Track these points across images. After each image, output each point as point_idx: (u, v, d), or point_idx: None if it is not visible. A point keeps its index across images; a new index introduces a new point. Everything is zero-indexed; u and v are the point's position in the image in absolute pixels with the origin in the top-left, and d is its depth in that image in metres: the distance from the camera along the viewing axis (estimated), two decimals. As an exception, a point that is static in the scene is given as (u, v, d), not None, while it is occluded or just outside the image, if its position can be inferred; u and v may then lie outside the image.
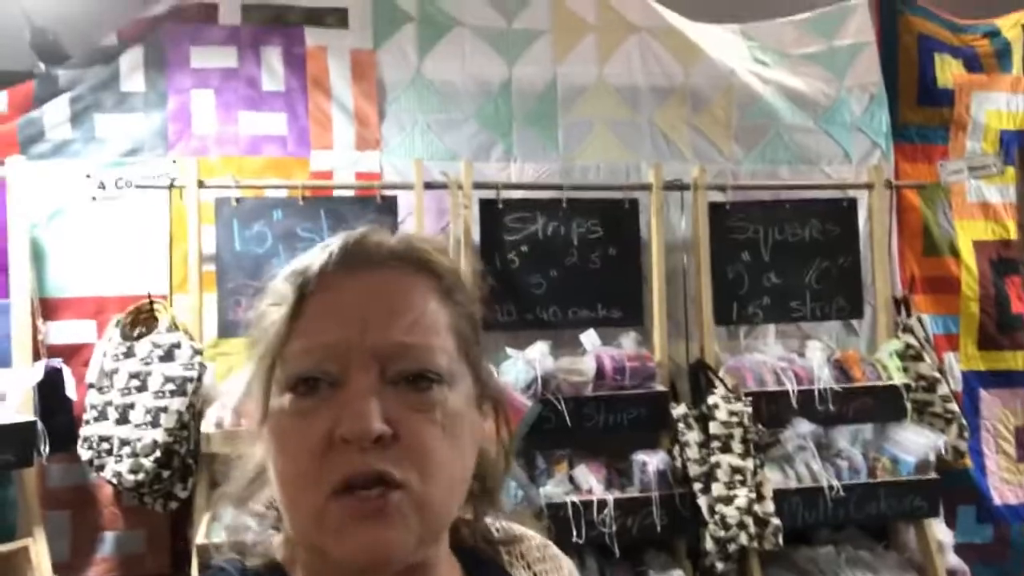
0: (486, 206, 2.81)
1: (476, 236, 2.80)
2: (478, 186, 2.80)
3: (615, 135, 3.10)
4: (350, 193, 2.81)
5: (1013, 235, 3.35)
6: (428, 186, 2.75)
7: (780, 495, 2.61)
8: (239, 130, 2.82)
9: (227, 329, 2.64)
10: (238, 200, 2.67)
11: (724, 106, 3.16)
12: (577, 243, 2.86)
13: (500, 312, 2.76)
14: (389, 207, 2.73)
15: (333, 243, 0.69)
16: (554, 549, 0.85)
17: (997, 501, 3.23)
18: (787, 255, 2.99)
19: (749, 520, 2.50)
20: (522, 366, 2.58)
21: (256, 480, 0.73)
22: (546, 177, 3.00)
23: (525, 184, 2.95)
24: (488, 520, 0.80)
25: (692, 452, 2.60)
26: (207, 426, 2.43)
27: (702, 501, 2.55)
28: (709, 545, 2.54)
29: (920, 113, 3.32)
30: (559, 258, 2.85)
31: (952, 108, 3.32)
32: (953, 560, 2.84)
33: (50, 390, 2.44)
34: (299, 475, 0.64)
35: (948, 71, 3.37)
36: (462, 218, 2.74)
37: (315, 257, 0.68)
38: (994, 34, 3.43)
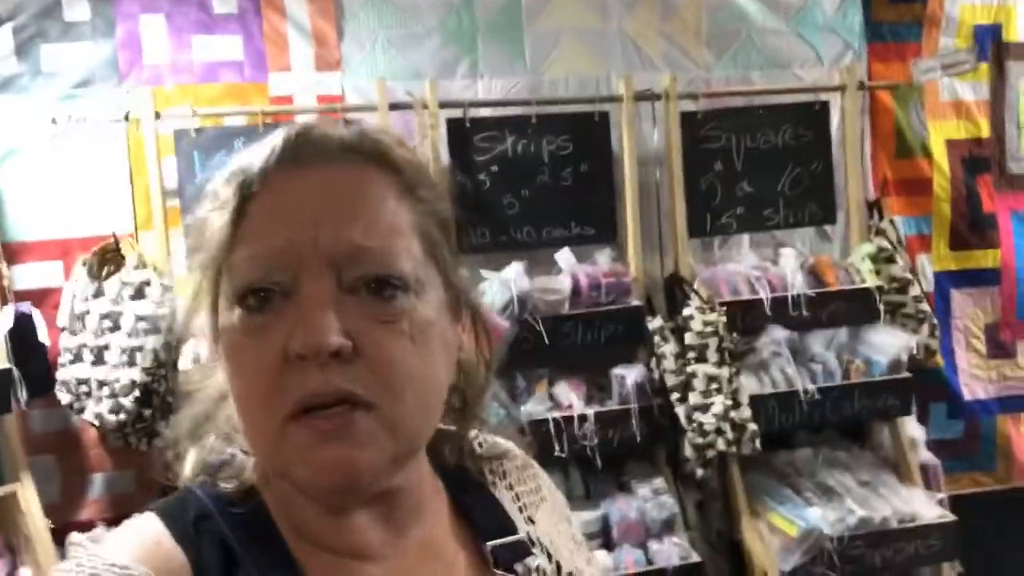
0: (453, 125, 2.74)
1: (444, 157, 2.74)
2: (444, 105, 2.72)
3: (583, 45, 3.02)
4: (312, 117, 2.73)
5: (985, 133, 3.33)
6: (393, 107, 2.67)
7: (756, 401, 2.65)
8: (193, 56, 2.70)
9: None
10: (197, 131, 2.59)
11: (694, 10, 3.07)
12: (548, 160, 2.82)
13: (473, 234, 2.73)
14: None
15: (276, 137, 0.62)
16: (535, 469, 0.83)
17: (968, 397, 3.32)
18: (760, 163, 2.97)
19: (726, 426, 2.56)
20: (498, 287, 2.57)
21: (216, 405, 0.67)
22: (514, 93, 2.92)
23: (492, 101, 2.87)
24: (472, 434, 0.77)
25: (669, 364, 2.63)
26: (185, 362, 2.43)
27: (679, 410, 2.60)
28: (688, 452, 2.60)
29: (893, 10, 3.24)
30: (530, 177, 2.80)
31: (925, 3, 3.25)
32: (925, 455, 2.94)
33: (22, 336, 2.40)
34: (254, 398, 0.59)
35: (921, -36, 3.28)
36: (429, 139, 2.67)
37: (257, 154, 0.61)
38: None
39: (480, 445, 0.78)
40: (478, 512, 0.74)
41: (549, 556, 0.74)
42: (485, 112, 2.82)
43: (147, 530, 0.63)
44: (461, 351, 0.70)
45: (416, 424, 0.62)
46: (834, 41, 3.18)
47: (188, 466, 0.67)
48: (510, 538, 0.72)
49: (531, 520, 0.77)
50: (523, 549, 0.72)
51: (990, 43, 3.33)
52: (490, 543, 0.71)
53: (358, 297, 0.59)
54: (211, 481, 0.66)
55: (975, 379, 3.35)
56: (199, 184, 2.58)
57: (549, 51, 2.98)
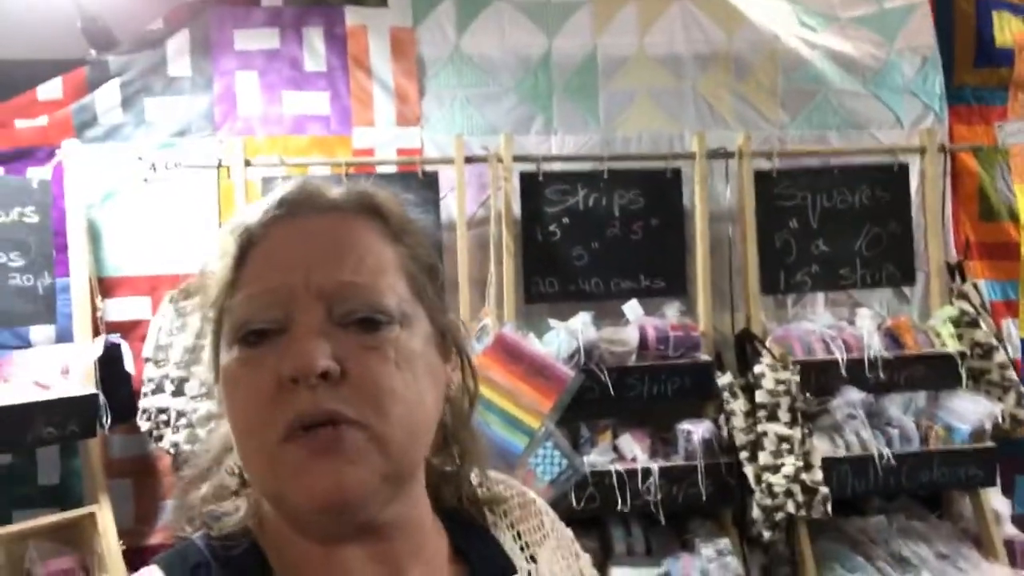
0: (526, 179, 2.82)
1: (516, 209, 2.81)
2: (518, 159, 2.80)
3: (657, 104, 3.07)
4: (392, 169, 2.84)
5: (1077, 198, 3.22)
6: (468, 160, 2.77)
7: (829, 464, 2.56)
8: (283, 110, 2.87)
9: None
10: (284, 178, 2.73)
11: (769, 72, 3.10)
12: (619, 214, 2.85)
13: (542, 284, 2.77)
14: (430, 182, 2.75)
15: (274, 193, 0.68)
16: (538, 505, 0.84)
17: (1058, 472, 3.13)
18: (836, 222, 2.93)
19: (796, 488, 2.47)
20: (564, 336, 2.58)
21: (222, 456, 0.71)
22: (587, 149, 2.99)
23: (565, 156, 2.94)
24: (472, 479, 0.79)
25: (738, 421, 2.58)
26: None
27: (748, 470, 2.53)
28: (756, 514, 2.52)
29: (977, 75, 3.20)
30: (600, 229, 2.84)
31: (1011, 68, 3.19)
32: (1011, 530, 2.77)
33: (110, 365, 2.54)
34: (250, 423, 0.62)
35: (1007, 29, 3.24)
36: (503, 191, 2.75)
37: (256, 208, 0.68)
38: (1055, -12, 3.29)
39: (479, 490, 0.80)
40: (477, 554, 0.74)
41: None
42: (558, 166, 2.89)
43: None
44: (450, 388, 0.73)
45: (403, 444, 0.63)
46: (914, 104, 3.15)
47: (189, 516, 0.71)
48: None
49: (533, 559, 0.78)
50: None
51: (1079, 107, 3.24)
52: None
53: (347, 331, 0.63)
54: (210, 530, 0.68)
55: (1066, 453, 3.15)
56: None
57: (623, 109, 3.05)
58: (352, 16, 2.93)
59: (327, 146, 2.88)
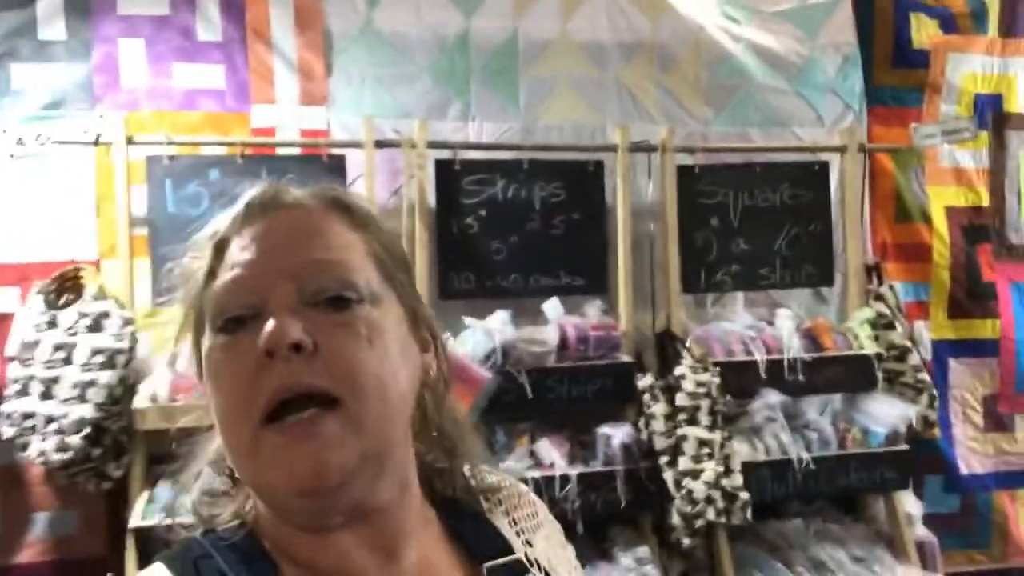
0: (442, 167, 2.64)
1: (431, 199, 2.63)
2: (433, 145, 2.62)
3: (580, 93, 2.95)
4: (295, 151, 2.63)
5: (985, 202, 3.26)
6: (379, 144, 2.57)
7: (749, 468, 2.51)
8: (172, 83, 2.61)
9: (161, 297, 2.45)
10: (171, 158, 2.47)
11: (693, 64, 3.02)
12: (539, 207, 2.71)
13: (457, 279, 2.60)
14: (337, 166, 2.55)
15: (246, 196, 0.72)
16: (531, 496, 0.86)
17: (964, 471, 3.18)
18: (757, 220, 2.88)
19: (717, 495, 2.40)
20: (481, 336, 2.44)
21: (214, 455, 0.73)
22: (506, 137, 2.84)
23: (484, 144, 2.78)
24: (465, 470, 0.80)
25: (658, 425, 2.49)
26: (141, 401, 2.27)
27: (668, 475, 2.45)
28: (675, 520, 2.44)
29: (895, 75, 3.21)
30: (520, 222, 2.69)
31: (927, 70, 3.21)
32: (922, 531, 2.79)
33: (-35, 364, 2.24)
34: (232, 405, 0.65)
35: (924, 32, 3.25)
36: (416, 180, 2.57)
37: (231, 210, 0.72)
38: (970, -7, 3.32)
39: (472, 480, 0.81)
40: (473, 536, 0.76)
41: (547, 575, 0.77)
42: (475, 155, 2.72)
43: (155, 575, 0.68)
44: (428, 375, 0.75)
45: (379, 420, 0.65)
46: (834, 102, 3.13)
47: (151, 518, 0.77)
48: (507, 558, 0.75)
49: (529, 543, 0.79)
50: (520, 568, 0.75)
51: (990, 113, 3.29)
52: (487, 564, 0.73)
53: (319, 309, 0.65)
54: (207, 527, 0.71)
55: (972, 452, 3.22)
56: (169, 215, 2.46)
57: (544, 97, 2.91)
58: (252, -17, 2.68)
59: (222, 124, 2.63)
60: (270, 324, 0.63)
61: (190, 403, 1.97)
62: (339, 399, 0.63)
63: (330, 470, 0.62)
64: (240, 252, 0.68)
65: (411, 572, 0.70)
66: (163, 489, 2.23)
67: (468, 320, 2.50)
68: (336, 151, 2.57)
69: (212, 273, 0.68)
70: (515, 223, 2.69)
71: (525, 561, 0.76)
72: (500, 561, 0.74)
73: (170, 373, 2.29)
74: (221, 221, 0.71)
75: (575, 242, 2.73)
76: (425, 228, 2.57)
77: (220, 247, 0.69)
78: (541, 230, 2.71)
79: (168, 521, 0.73)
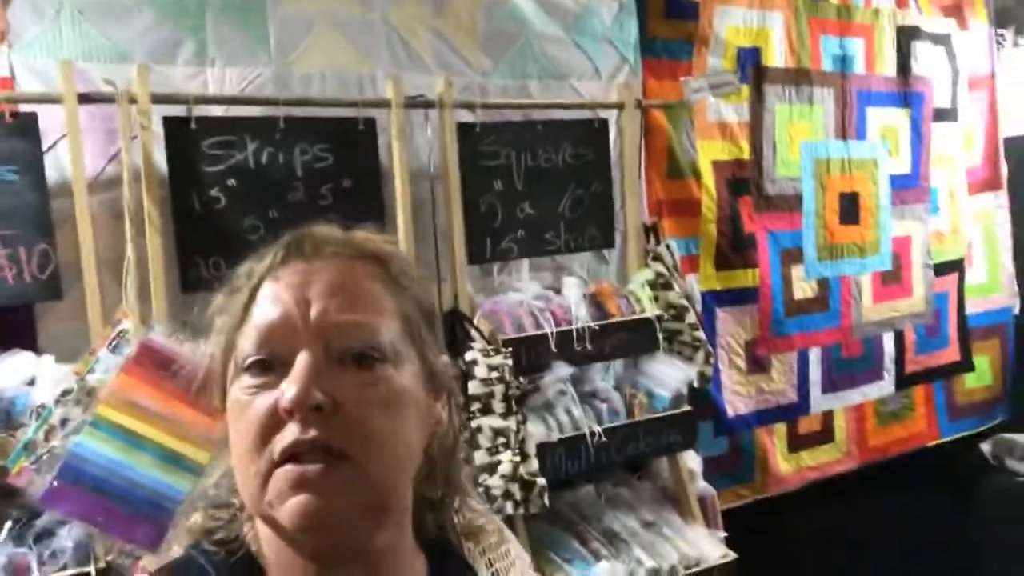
0: (174, 126, 2.15)
1: (162, 167, 2.15)
2: (160, 99, 2.12)
3: (342, 35, 2.56)
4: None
5: (747, 155, 3.36)
6: (85, 99, 2.02)
7: (543, 449, 2.40)
8: None
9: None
10: None
11: (469, 7, 2.73)
12: (302, 173, 2.33)
13: (204, 267, 2.17)
14: (25, 128, 1.95)
15: (284, 239, 0.77)
16: (506, 533, 0.91)
17: (731, 414, 3.35)
18: (540, 183, 2.70)
19: (515, 487, 2.26)
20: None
21: (225, 478, 0.76)
22: (256, 88, 2.39)
23: (227, 97, 2.32)
24: (453, 510, 0.84)
25: (450, 416, 2.29)
26: None
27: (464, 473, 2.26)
28: (472, 517, 2.27)
29: (668, 26, 3.14)
30: (280, 193, 2.29)
31: (697, 22, 3.19)
32: (702, 485, 2.87)
33: None
34: (248, 446, 0.68)
35: (693, -19, 3.21)
36: (140, 142, 2.07)
37: (268, 251, 0.76)
38: (733, -57, 3.32)
39: (459, 522, 0.85)
40: None
41: None
42: (218, 110, 2.27)
43: None
44: (439, 425, 0.79)
45: (386, 477, 0.70)
46: (611, 54, 3.01)
47: (188, 531, 0.76)
48: None
49: None
50: None
51: (750, 66, 3.36)
52: None
53: (343, 366, 0.69)
54: (208, 543, 0.74)
55: (737, 396, 3.38)
56: None
57: (299, 39, 2.49)
58: None
59: None
60: (293, 389, 0.66)
61: None
62: (348, 453, 0.66)
63: (330, 516, 0.66)
64: (272, 298, 0.71)
65: None
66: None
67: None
68: (26, 107, 1.99)
69: (244, 315, 0.72)
70: (273, 194, 2.28)
71: None
72: None
73: None
74: (257, 260, 0.76)
75: (347, 213, 2.32)
76: (155, 204, 2.08)
77: (255, 286, 0.73)
78: (306, 201, 2.33)
79: None
